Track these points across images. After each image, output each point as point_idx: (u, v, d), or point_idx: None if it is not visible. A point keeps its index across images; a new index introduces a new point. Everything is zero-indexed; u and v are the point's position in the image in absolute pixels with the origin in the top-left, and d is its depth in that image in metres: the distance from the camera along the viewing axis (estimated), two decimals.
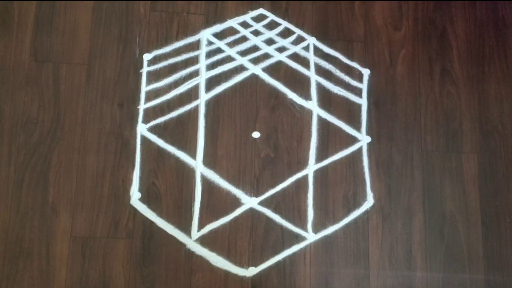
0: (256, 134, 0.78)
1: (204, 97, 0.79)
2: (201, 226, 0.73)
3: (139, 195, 0.74)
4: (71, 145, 0.75)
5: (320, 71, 0.81)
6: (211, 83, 0.79)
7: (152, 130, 0.77)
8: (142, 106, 0.77)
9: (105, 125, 0.76)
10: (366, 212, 0.76)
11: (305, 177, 0.76)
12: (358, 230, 0.75)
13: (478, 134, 0.81)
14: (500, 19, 0.86)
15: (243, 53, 0.81)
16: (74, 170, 0.74)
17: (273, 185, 0.76)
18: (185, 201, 0.74)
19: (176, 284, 0.71)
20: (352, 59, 0.82)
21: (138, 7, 0.82)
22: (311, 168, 0.77)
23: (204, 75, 0.79)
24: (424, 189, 0.78)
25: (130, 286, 0.71)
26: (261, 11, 0.84)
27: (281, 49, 0.82)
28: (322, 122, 0.79)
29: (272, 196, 0.75)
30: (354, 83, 0.82)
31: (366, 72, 0.82)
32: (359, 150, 0.79)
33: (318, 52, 0.82)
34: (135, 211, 0.73)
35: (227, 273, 0.72)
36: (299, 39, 0.83)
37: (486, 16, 0.86)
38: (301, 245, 0.74)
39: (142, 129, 0.76)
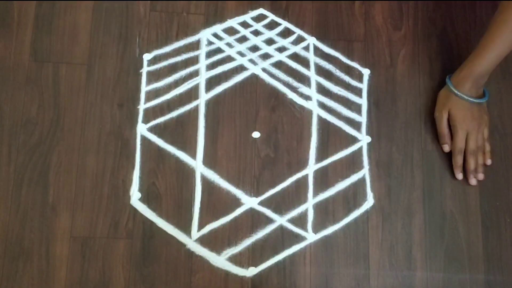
0: (256, 134, 0.78)
1: (204, 97, 0.79)
2: (201, 226, 0.73)
3: (139, 195, 0.74)
4: (71, 145, 0.75)
5: (320, 71, 0.81)
6: (211, 83, 0.79)
7: (152, 130, 0.77)
8: (142, 106, 0.77)
9: (105, 125, 0.76)
10: (366, 212, 0.76)
11: (305, 177, 0.76)
12: (358, 230, 0.75)
13: None
14: None
15: (243, 53, 0.81)
16: (74, 170, 0.74)
17: (273, 185, 0.76)
18: (185, 201, 0.74)
19: (176, 284, 0.71)
20: (352, 59, 0.82)
21: (138, 7, 0.82)
22: (311, 168, 0.77)
23: (204, 75, 0.79)
24: (424, 189, 0.78)
25: (130, 286, 0.71)
26: (261, 11, 0.84)
27: (281, 49, 0.82)
28: (322, 122, 0.79)
29: (272, 196, 0.75)
30: (354, 83, 0.82)
31: (366, 72, 0.82)
32: (359, 150, 0.79)
33: (318, 52, 0.82)
34: (135, 211, 0.73)
35: (227, 273, 0.72)
36: (299, 39, 0.83)
37: (486, 16, 0.86)
38: (301, 245, 0.74)
39: (142, 129, 0.76)
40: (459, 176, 0.77)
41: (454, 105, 0.77)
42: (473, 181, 0.77)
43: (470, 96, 0.76)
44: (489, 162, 0.78)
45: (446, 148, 0.78)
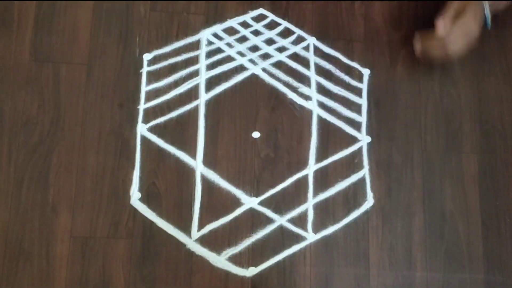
0: (256, 134, 0.78)
1: (204, 97, 0.79)
2: (201, 226, 0.73)
3: (139, 195, 0.74)
4: (71, 145, 0.75)
5: (320, 71, 0.81)
6: (211, 83, 0.79)
7: (152, 130, 0.77)
8: (142, 106, 0.77)
9: (105, 125, 0.76)
10: (366, 212, 0.76)
11: (305, 177, 0.76)
12: (358, 230, 0.75)
13: (478, 134, 0.81)
14: (500, 19, 0.86)
15: (243, 53, 0.81)
16: (74, 170, 0.74)
17: (273, 185, 0.76)
18: (185, 201, 0.74)
19: (176, 284, 0.71)
20: (352, 59, 0.82)
21: (138, 7, 0.82)
22: (311, 168, 0.77)
23: (204, 75, 0.80)
24: (424, 189, 0.78)
25: (130, 286, 0.71)
26: (261, 11, 0.84)
27: (281, 49, 0.82)
28: (322, 122, 0.79)
29: (272, 196, 0.75)
30: (354, 83, 0.82)
31: (366, 72, 0.82)
32: (359, 150, 0.79)
33: (318, 52, 0.82)
34: (135, 211, 0.73)
35: (227, 273, 0.72)
36: (299, 39, 0.83)
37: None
38: (301, 245, 0.74)
39: (142, 129, 0.76)
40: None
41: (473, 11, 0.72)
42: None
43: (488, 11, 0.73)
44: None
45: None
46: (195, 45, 0.81)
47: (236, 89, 0.80)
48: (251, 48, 0.82)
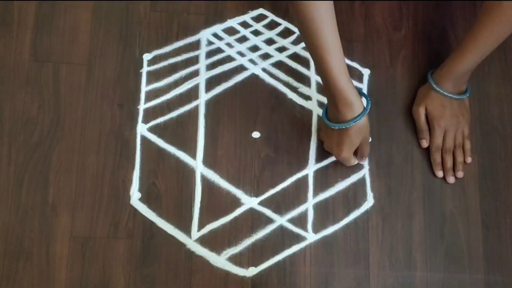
0: (256, 134, 0.78)
1: (204, 97, 0.79)
2: (201, 226, 0.73)
3: (139, 195, 0.74)
4: (71, 145, 0.75)
5: None
6: (211, 83, 0.79)
7: (152, 130, 0.77)
8: (142, 106, 0.77)
9: (105, 125, 0.76)
10: (366, 212, 0.76)
11: (305, 177, 0.76)
12: (358, 230, 0.75)
13: (478, 134, 0.81)
14: None
15: (243, 53, 0.81)
16: (74, 170, 0.74)
17: (273, 185, 0.76)
18: (185, 201, 0.74)
19: (176, 284, 0.71)
20: (352, 59, 0.82)
21: (138, 7, 0.82)
22: (311, 168, 0.77)
23: (204, 75, 0.80)
24: (424, 189, 0.78)
25: (130, 286, 0.71)
26: (261, 11, 0.84)
27: (281, 49, 0.82)
28: None
29: (272, 196, 0.75)
30: (354, 83, 0.81)
31: (366, 72, 0.82)
32: None
33: None
34: (135, 211, 0.73)
35: (227, 273, 0.72)
36: (299, 39, 0.83)
37: None
38: (301, 245, 0.74)
39: (142, 129, 0.76)
40: (439, 174, 0.77)
41: (432, 101, 0.76)
42: (450, 179, 0.77)
43: (450, 92, 0.76)
44: (469, 160, 0.78)
45: (424, 143, 0.78)
46: (195, 45, 0.81)
47: (236, 89, 0.80)
48: (251, 48, 0.82)
